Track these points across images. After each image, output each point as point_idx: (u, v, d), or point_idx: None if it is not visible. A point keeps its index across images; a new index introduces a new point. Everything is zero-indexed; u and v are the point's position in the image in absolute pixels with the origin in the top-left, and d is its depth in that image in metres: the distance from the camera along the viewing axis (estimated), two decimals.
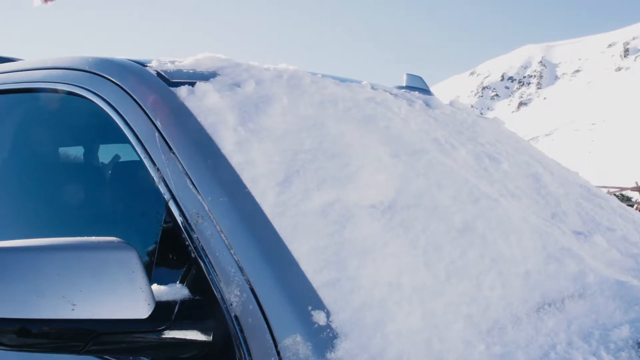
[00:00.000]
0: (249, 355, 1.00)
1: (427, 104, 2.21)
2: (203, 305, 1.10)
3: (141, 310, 1.00)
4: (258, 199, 1.17)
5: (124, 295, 0.99)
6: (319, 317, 0.99)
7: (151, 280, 1.07)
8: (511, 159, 1.97)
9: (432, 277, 1.17)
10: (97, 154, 2.01)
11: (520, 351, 1.06)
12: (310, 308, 1.00)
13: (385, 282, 1.10)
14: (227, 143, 1.28)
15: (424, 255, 1.22)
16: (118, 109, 1.38)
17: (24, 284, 0.95)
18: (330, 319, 0.99)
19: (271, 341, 0.98)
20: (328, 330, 0.98)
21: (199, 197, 1.16)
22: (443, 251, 1.25)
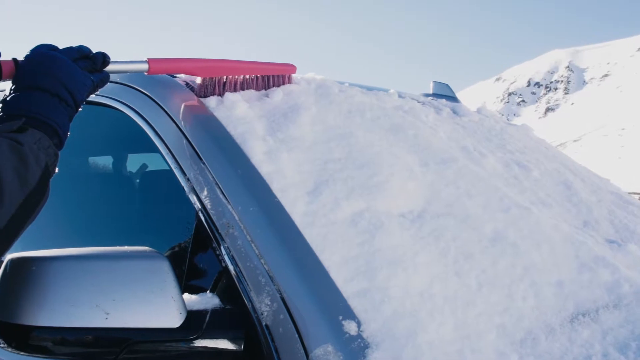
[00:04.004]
0: None
1: (455, 112, 2.20)
2: (234, 315, 1.10)
3: (173, 319, 1.01)
4: (288, 209, 1.18)
5: (156, 304, 1.01)
6: (350, 327, 0.99)
7: (182, 290, 1.08)
8: (541, 167, 1.95)
9: (463, 286, 1.16)
10: (127, 163, 2.03)
11: None
12: (341, 318, 1.00)
13: (416, 292, 1.09)
14: (257, 153, 1.29)
15: (455, 265, 1.21)
16: (148, 120, 1.40)
17: (59, 293, 0.97)
18: (361, 329, 0.99)
19: (302, 351, 0.98)
20: (359, 340, 0.97)
21: (229, 207, 1.17)
22: (474, 260, 1.24)
